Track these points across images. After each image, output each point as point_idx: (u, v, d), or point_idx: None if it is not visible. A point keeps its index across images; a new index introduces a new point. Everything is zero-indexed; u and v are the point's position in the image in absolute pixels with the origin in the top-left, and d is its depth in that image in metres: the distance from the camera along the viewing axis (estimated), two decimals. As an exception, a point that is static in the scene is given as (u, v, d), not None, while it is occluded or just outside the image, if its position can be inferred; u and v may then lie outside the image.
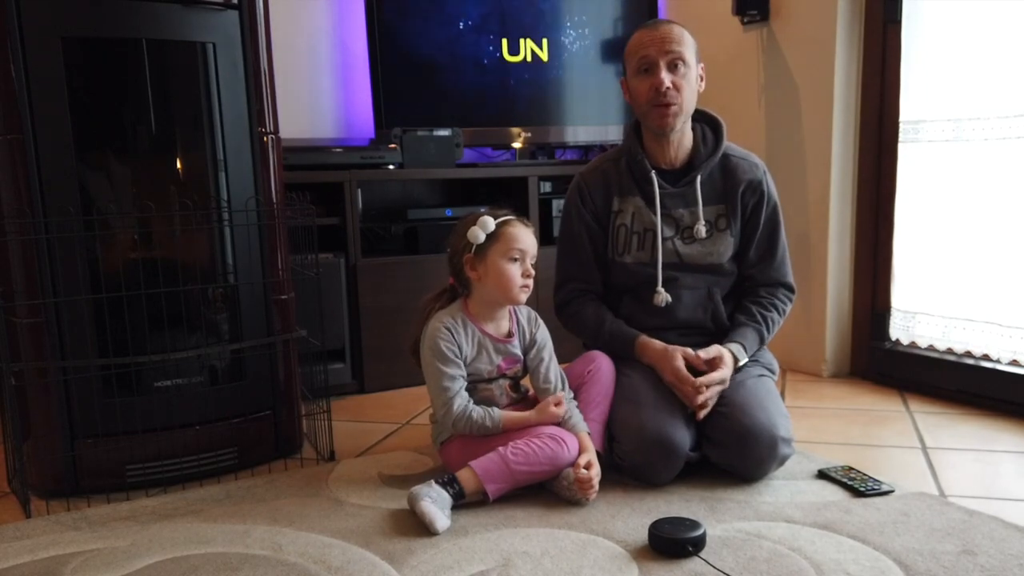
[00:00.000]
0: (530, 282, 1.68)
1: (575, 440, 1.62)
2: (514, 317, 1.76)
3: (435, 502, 1.49)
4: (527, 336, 1.76)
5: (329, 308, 2.40)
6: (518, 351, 1.74)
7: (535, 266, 1.70)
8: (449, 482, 1.54)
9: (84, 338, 1.69)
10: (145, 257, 1.76)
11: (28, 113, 1.61)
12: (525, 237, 1.67)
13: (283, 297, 1.92)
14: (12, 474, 1.76)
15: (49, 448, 1.70)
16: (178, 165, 1.81)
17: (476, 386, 1.69)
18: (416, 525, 1.48)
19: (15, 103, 1.60)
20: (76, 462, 1.72)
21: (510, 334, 1.74)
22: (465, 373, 1.67)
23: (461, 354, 1.66)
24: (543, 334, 1.78)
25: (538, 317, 1.79)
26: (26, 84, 1.60)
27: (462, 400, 1.64)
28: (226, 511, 1.61)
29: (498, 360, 1.71)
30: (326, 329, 2.02)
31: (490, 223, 1.65)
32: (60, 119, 1.63)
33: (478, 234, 1.64)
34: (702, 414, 1.66)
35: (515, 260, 1.66)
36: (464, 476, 1.55)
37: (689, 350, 1.72)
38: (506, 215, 1.69)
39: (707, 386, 1.66)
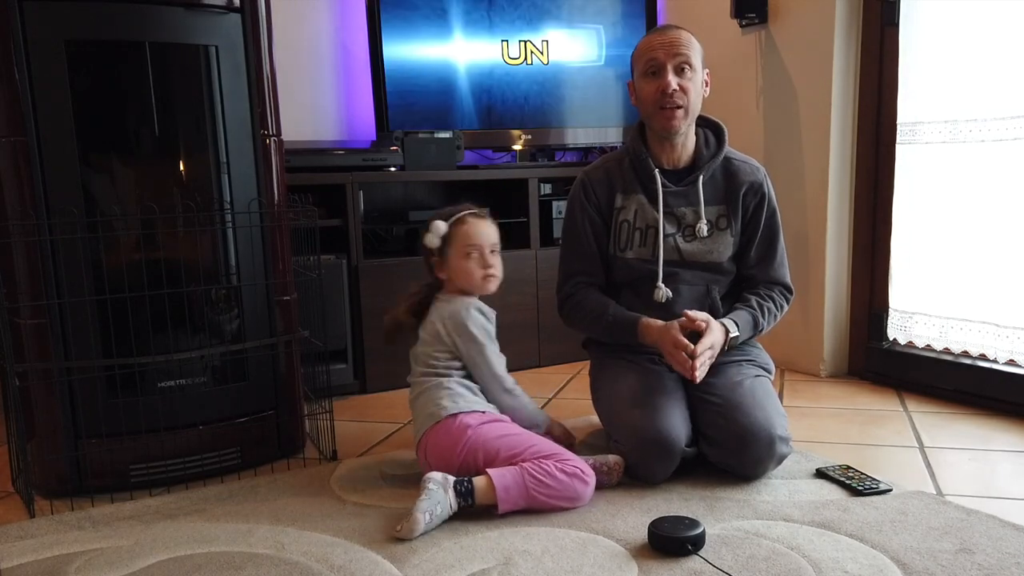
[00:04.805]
0: (492, 271, 1.71)
1: (595, 478, 1.60)
2: None
3: (432, 518, 1.46)
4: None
5: (331, 309, 2.41)
6: None
7: (502, 254, 1.76)
8: (466, 492, 1.51)
9: (88, 339, 1.71)
10: (148, 258, 1.77)
11: (32, 115, 1.62)
12: (477, 230, 1.72)
13: (285, 298, 1.93)
14: (16, 474, 1.77)
15: (53, 448, 1.71)
16: (181, 167, 1.82)
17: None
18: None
19: (19, 105, 1.61)
20: (80, 462, 1.73)
21: None
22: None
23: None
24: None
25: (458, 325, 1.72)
26: (30, 87, 1.61)
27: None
28: (229, 511, 1.62)
29: None
30: (328, 330, 2.03)
31: (441, 227, 1.71)
32: (64, 121, 1.64)
33: (432, 240, 1.71)
34: (697, 377, 1.66)
35: (469, 255, 1.71)
36: (480, 486, 1.52)
37: (681, 319, 1.72)
38: (461, 212, 1.73)
39: (700, 353, 1.66)
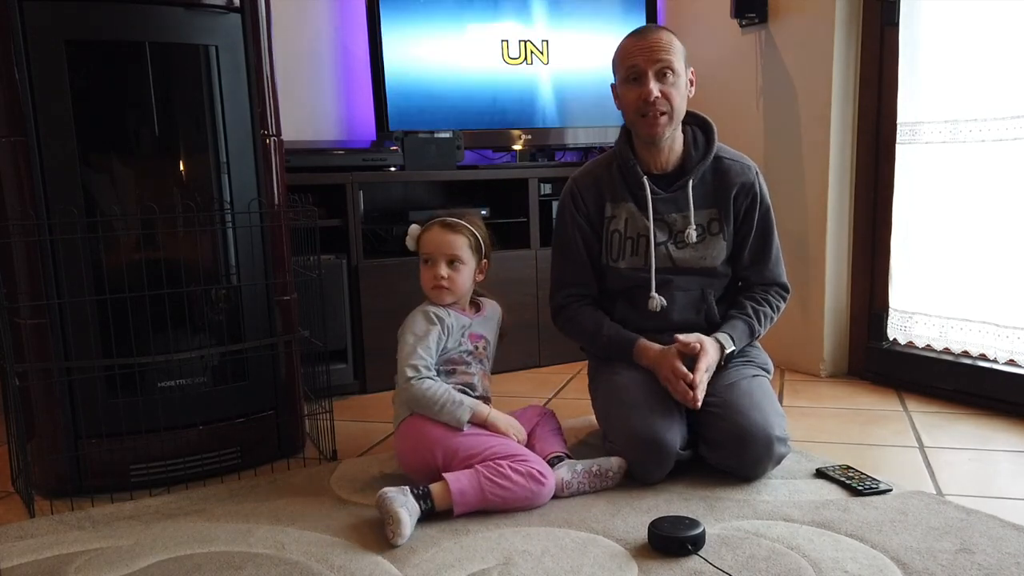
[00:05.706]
0: (442, 282, 1.70)
1: (553, 478, 1.61)
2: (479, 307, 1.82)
3: (410, 515, 1.47)
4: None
5: (331, 309, 2.41)
6: (480, 329, 1.77)
7: (486, 265, 1.77)
8: (423, 496, 1.52)
9: (88, 339, 1.71)
10: (148, 258, 1.77)
11: (32, 115, 1.62)
12: (433, 239, 1.72)
13: (285, 298, 1.93)
14: (16, 474, 1.77)
15: (53, 448, 1.71)
16: (181, 167, 1.82)
17: (456, 369, 1.72)
18: (417, 524, 1.49)
19: (19, 105, 1.61)
20: (80, 462, 1.73)
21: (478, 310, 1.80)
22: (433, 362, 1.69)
23: (440, 343, 1.70)
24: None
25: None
26: (30, 87, 1.61)
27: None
28: (229, 510, 1.62)
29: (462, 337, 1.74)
30: (328, 330, 2.03)
31: (414, 230, 1.75)
32: (64, 121, 1.64)
33: (409, 242, 1.77)
34: (697, 405, 1.68)
35: (426, 263, 1.72)
36: (437, 491, 1.53)
37: (676, 344, 1.72)
38: (437, 218, 1.74)
39: (699, 382, 1.68)
